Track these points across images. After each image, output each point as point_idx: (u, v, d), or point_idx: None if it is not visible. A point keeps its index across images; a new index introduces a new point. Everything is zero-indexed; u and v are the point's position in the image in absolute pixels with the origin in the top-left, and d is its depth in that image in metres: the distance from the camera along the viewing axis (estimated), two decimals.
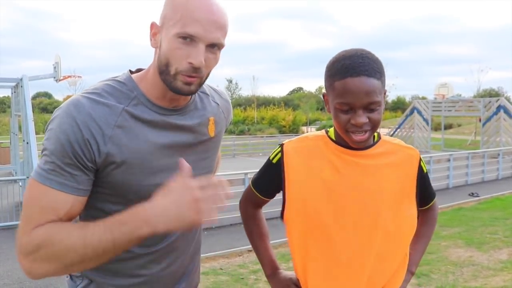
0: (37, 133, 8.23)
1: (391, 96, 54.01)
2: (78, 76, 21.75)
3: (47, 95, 67.77)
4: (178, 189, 0.99)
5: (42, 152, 1.07)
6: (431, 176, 9.77)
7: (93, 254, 0.99)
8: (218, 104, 1.33)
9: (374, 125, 1.19)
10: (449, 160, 10.50)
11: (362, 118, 1.16)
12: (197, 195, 0.97)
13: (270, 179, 1.37)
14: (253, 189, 1.43)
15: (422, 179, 1.33)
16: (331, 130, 1.33)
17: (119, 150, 1.07)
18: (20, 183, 8.86)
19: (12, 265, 5.13)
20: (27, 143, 7.71)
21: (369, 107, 1.16)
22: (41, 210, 1.03)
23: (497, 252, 5.33)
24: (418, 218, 1.35)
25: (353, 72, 1.15)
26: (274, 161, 1.34)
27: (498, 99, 19.47)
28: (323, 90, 1.27)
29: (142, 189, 1.11)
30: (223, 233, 6.13)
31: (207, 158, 1.28)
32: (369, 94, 1.15)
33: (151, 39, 1.12)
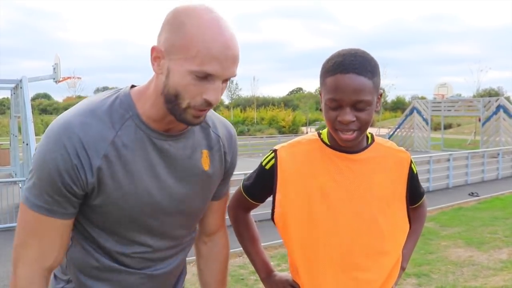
0: (36, 134, 8.21)
1: (390, 96, 53.96)
2: (78, 78, 21.74)
3: (46, 96, 67.72)
4: None
5: (30, 173, 1.06)
6: (431, 176, 9.79)
7: None
8: (219, 136, 1.25)
9: (362, 125, 1.18)
10: (448, 160, 10.50)
11: (349, 116, 1.16)
12: None
13: (263, 185, 1.36)
14: (244, 194, 1.42)
15: (412, 180, 1.34)
16: (324, 132, 1.33)
17: (103, 182, 1.05)
18: (20, 185, 8.84)
19: None
20: (27, 144, 7.71)
21: (357, 106, 1.16)
22: (32, 236, 1.06)
23: (497, 252, 5.32)
24: (408, 216, 1.35)
25: (342, 69, 1.15)
26: (267, 167, 1.33)
27: (498, 99, 19.47)
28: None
29: (124, 217, 1.11)
30: None
31: (202, 194, 1.22)
32: (357, 92, 1.14)
33: (152, 63, 1.03)
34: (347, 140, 1.20)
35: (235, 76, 1.04)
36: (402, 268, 1.44)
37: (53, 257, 1.09)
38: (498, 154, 12.08)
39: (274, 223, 1.33)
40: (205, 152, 1.20)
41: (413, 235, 1.48)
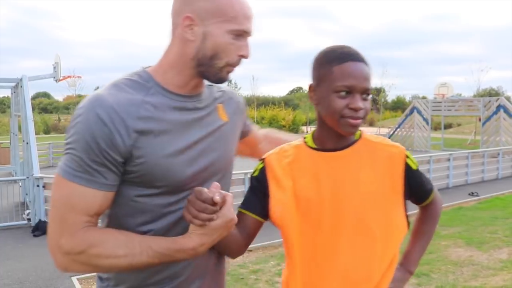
0: (36, 133, 8.21)
1: (391, 96, 54.02)
2: (78, 77, 21.79)
3: (46, 95, 67.69)
4: (221, 226, 1.10)
5: (66, 148, 1.08)
6: (431, 176, 9.78)
7: (133, 269, 1.11)
8: (224, 91, 1.37)
9: (365, 114, 1.20)
10: (449, 159, 10.50)
11: (360, 103, 1.18)
12: (233, 218, 1.12)
13: (256, 193, 1.30)
14: (242, 211, 1.31)
15: (412, 177, 1.29)
16: (308, 137, 1.33)
17: (141, 141, 1.09)
18: (20, 184, 8.85)
19: (12, 265, 5.13)
20: (27, 143, 7.71)
21: (364, 94, 1.19)
22: (72, 209, 1.05)
23: (497, 252, 5.33)
24: (418, 215, 1.33)
25: (353, 58, 1.19)
26: (256, 174, 1.31)
27: (498, 99, 19.44)
28: (309, 82, 1.27)
29: (166, 174, 1.14)
30: None
31: (227, 143, 1.30)
32: (367, 80, 1.19)
33: (186, 31, 1.14)
34: (355, 125, 1.19)
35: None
36: (410, 272, 1.38)
37: (93, 215, 1.09)
38: (498, 154, 12.07)
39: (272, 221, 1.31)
40: (219, 106, 1.31)
41: (423, 236, 1.41)
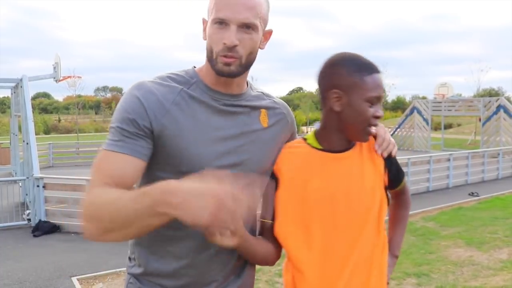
0: (37, 133, 8.21)
1: (391, 96, 53.90)
2: (78, 77, 21.71)
3: (46, 95, 67.68)
4: (211, 188, 0.94)
5: (109, 127, 1.20)
6: (431, 176, 9.79)
7: (121, 220, 1.01)
8: (274, 100, 1.39)
9: None
10: (449, 159, 10.50)
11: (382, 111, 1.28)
12: (224, 204, 0.93)
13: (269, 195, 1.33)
14: (266, 220, 1.34)
15: (392, 163, 1.37)
16: (310, 137, 1.36)
17: (174, 123, 1.17)
18: (20, 184, 8.84)
19: (12, 265, 5.13)
20: (27, 143, 7.70)
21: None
22: (99, 170, 1.14)
23: (497, 252, 5.33)
24: (392, 201, 1.40)
25: (376, 69, 1.27)
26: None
27: (498, 99, 19.44)
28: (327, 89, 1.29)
29: (193, 161, 1.18)
30: None
31: (262, 149, 1.29)
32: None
33: (203, 33, 1.25)
34: (371, 135, 1.31)
35: (251, 23, 1.16)
36: (395, 257, 1.48)
37: (118, 181, 1.12)
38: (499, 154, 12.07)
39: (273, 233, 1.31)
40: (263, 111, 1.33)
41: (402, 222, 1.52)
